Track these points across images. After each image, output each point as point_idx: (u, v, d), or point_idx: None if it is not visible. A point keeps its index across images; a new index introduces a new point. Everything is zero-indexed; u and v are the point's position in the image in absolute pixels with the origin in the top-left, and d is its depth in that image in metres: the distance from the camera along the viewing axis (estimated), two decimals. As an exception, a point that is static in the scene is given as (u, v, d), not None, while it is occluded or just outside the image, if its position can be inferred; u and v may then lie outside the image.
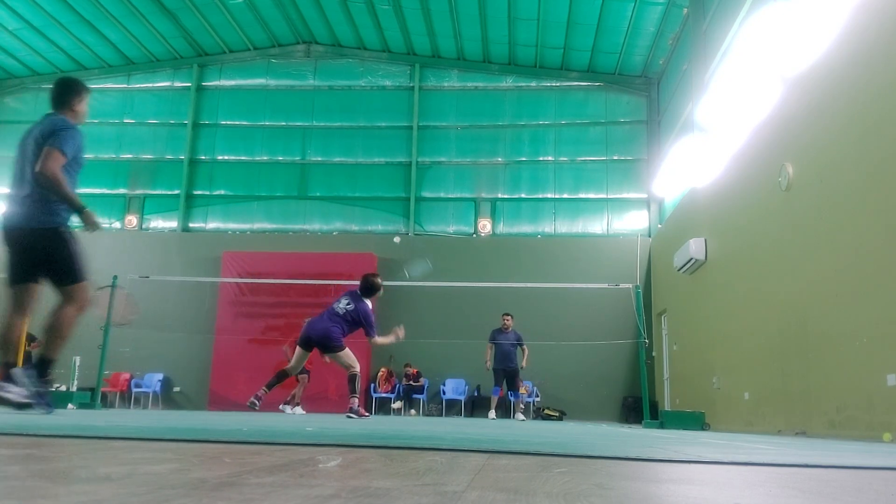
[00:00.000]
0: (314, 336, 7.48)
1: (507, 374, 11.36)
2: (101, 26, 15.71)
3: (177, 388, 15.04)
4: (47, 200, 4.16)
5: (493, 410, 11.48)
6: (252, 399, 7.69)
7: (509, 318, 11.59)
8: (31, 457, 1.54)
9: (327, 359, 8.03)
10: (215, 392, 14.80)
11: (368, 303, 7.65)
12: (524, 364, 11.42)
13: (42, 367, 4.22)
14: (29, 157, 4.22)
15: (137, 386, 14.83)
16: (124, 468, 1.32)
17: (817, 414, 7.03)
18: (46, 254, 4.19)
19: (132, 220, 16.71)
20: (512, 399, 12.09)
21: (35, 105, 17.53)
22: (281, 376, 7.70)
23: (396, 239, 15.78)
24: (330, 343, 7.42)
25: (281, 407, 11.57)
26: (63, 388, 13.87)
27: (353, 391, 7.49)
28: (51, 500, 0.90)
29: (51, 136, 4.15)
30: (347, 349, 7.50)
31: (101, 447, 1.86)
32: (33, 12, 14.89)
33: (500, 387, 11.40)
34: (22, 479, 1.13)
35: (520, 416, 11.82)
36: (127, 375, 14.94)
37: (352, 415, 7.42)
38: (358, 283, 7.81)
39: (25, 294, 4.26)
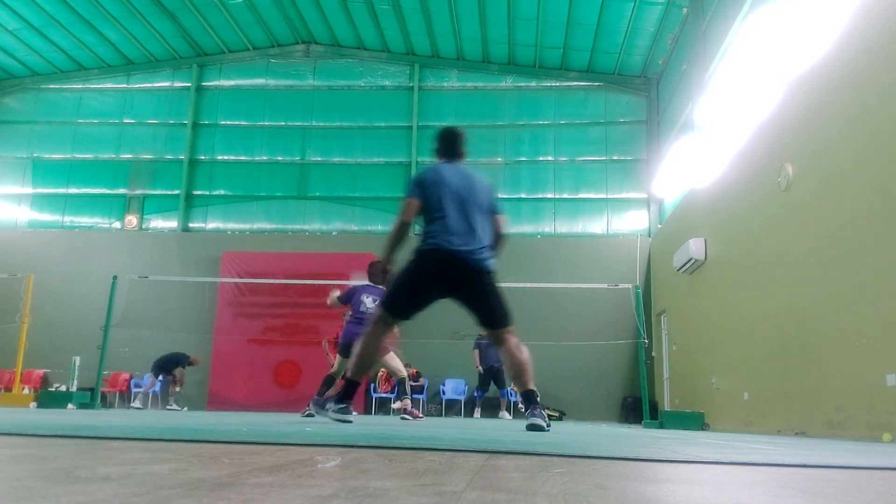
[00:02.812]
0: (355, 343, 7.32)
1: (492, 373, 11.97)
2: (101, 26, 15.71)
3: (177, 389, 15.03)
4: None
5: (479, 409, 12.17)
6: (309, 411, 7.36)
7: None
8: (31, 457, 1.54)
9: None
10: (214, 392, 14.80)
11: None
12: None
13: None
14: (481, 208, 4.38)
15: (137, 386, 14.82)
16: (123, 468, 1.32)
17: (817, 414, 7.03)
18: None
19: (132, 220, 16.71)
20: (501, 397, 12.29)
21: (35, 105, 17.55)
22: (328, 382, 7.50)
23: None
24: None
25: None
26: (63, 388, 13.88)
27: (403, 392, 7.53)
28: (50, 500, 0.90)
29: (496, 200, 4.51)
30: (392, 352, 7.32)
31: (100, 447, 1.86)
32: (33, 12, 14.89)
33: (484, 391, 12.18)
34: (22, 479, 1.13)
35: (505, 414, 12.04)
36: (126, 375, 14.94)
37: (406, 416, 7.41)
38: (367, 277, 7.69)
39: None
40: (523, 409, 4.43)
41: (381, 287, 7.35)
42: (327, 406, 4.35)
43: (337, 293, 7.49)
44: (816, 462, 2.20)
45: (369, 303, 7.25)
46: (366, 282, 7.48)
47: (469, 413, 14.06)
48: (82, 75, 17.46)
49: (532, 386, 4.36)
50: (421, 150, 16.54)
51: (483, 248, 4.26)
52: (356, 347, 4.43)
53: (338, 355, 7.42)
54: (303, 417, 7.05)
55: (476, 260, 4.21)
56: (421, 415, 7.93)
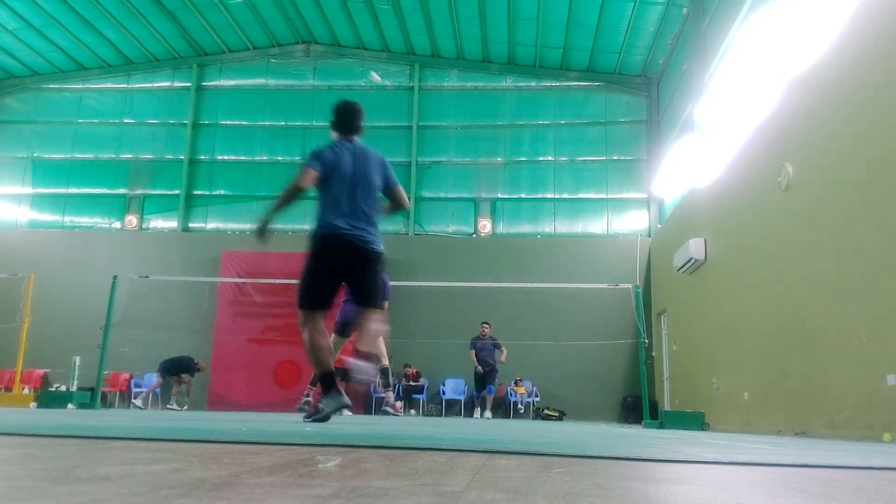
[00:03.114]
0: (353, 320, 7.29)
1: (485, 374, 12.21)
2: (101, 26, 15.71)
3: (180, 389, 15.02)
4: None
5: (479, 410, 12.34)
6: (301, 405, 7.38)
7: (487, 326, 12.44)
8: (31, 457, 1.53)
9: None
10: (214, 392, 14.80)
11: None
12: (502, 360, 12.23)
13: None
14: (372, 187, 4.51)
15: (137, 386, 14.82)
16: (123, 468, 1.32)
17: (817, 414, 7.03)
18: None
19: (132, 220, 16.71)
20: (487, 395, 12.45)
21: (35, 105, 17.55)
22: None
23: (375, 77, 15.85)
24: None
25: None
26: (63, 388, 13.88)
27: (386, 385, 7.36)
28: (50, 500, 0.90)
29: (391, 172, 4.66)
30: (381, 337, 7.36)
31: (100, 447, 1.86)
32: (33, 12, 14.88)
33: (480, 391, 12.41)
34: (22, 479, 1.13)
35: (487, 413, 12.15)
36: (126, 375, 14.94)
37: (388, 409, 7.31)
38: None
39: None
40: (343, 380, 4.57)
41: None
42: (319, 407, 4.30)
43: None
44: (816, 462, 2.20)
45: None
46: None
47: (469, 413, 14.06)
48: (82, 75, 17.46)
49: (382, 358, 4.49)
50: (421, 150, 16.54)
51: (369, 228, 4.40)
52: (311, 342, 4.37)
53: (333, 334, 7.39)
54: (300, 409, 6.97)
55: (362, 240, 4.35)
56: (400, 410, 7.75)
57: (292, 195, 4.35)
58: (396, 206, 4.74)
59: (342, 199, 4.36)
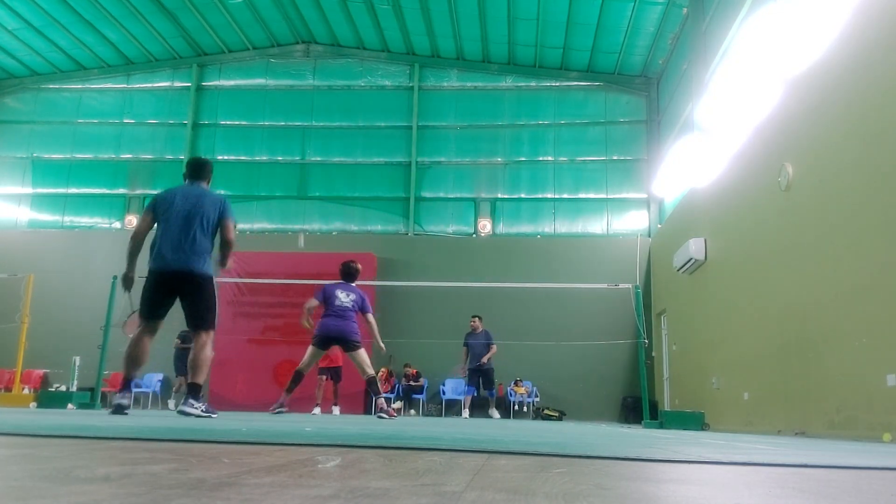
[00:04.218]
0: (335, 334, 7.44)
1: (480, 373, 11.89)
2: (100, 26, 15.71)
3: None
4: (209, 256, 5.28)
5: (467, 410, 12.02)
6: (277, 409, 7.57)
7: (477, 319, 12.15)
8: (30, 457, 1.53)
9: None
10: (214, 392, 14.79)
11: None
12: (485, 359, 11.89)
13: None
14: (206, 221, 5.21)
15: (137, 386, 14.81)
16: (123, 468, 1.32)
17: (817, 414, 7.03)
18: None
19: (132, 220, 16.70)
20: (489, 397, 12.31)
21: (35, 105, 17.56)
22: (297, 378, 7.64)
23: (301, 241, 15.88)
24: (352, 338, 7.44)
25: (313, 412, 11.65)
26: (63, 388, 13.87)
27: (377, 392, 7.58)
28: (50, 500, 0.90)
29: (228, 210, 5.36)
30: (363, 349, 7.50)
31: (100, 447, 1.86)
32: (33, 12, 14.88)
33: (474, 387, 12.02)
34: (21, 479, 1.13)
35: (495, 413, 12.02)
36: (126, 375, 14.90)
37: (383, 415, 7.44)
38: (340, 275, 7.83)
39: None
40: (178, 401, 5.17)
41: (352, 284, 7.72)
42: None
43: (313, 301, 7.67)
44: (816, 462, 2.20)
45: (343, 297, 7.53)
46: (337, 281, 7.78)
47: (468, 413, 14.04)
48: (82, 75, 17.46)
49: (200, 381, 5.25)
50: (421, 150, 16.54)
51: (196, 256, 5.12)
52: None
53: (310, 346, 7.55)
54: (273, 414, 7.19)
55: (188, 267, 5.11)
56: (395, 413, 7.94)
57: (132, 244, 5.29)
58: (224, 238, 5.33)
59: (173, 232, 5.15)
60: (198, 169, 5.52)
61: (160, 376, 14.96)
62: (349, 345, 7.47)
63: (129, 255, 5.30)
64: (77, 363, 13.11)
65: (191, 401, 5.17)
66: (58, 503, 0.88)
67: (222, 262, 5.31)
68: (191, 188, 5.38)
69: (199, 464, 1.46)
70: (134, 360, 5.25)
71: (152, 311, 5.23)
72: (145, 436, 2.34)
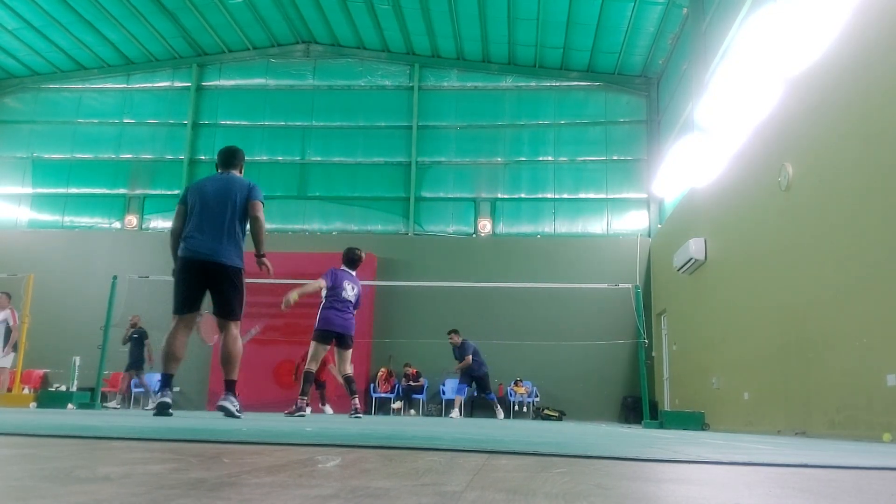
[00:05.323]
0: (339, 331, 7.27)
1: (474, 378, 11.80)
2: (100, 26, 15.71)
3: (176, 388, 14.97)
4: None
5: (457, 410, 11.86)
6: (297, 412, 7.42)
7: (453, 334, 11.86)
8: (31, 457, 1.53)
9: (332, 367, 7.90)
10: (215, 392, 14.78)
11: None
12: (455, 370, 11.83)
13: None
14: (234, 207, 5.17)
15: (137, 386, 14.81)
16: (123, 468, 1.32)
17: (817, 414, 7.03)
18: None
19: (132, 220, 16.71)
20: (489, 399, 12.27)
21: (35, 105, 17.55)
22: (308, 378, 7.43)
23: None
24: (350, 336, 7.35)
25: (322, 408, 11.58)
26: (63, 388, 13.88)
27: (354, 392, 7.49)
28: (50, 500, 0.90)
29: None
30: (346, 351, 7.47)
31: (100, 447, 1.86)
32: (33, 12, 14.89)
33: (468, 386, 11.93)
34: (22, 479, 1.13)
35: (500, 413, 12.00)
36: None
37: (360, 415, 7.42)
38: (343, 262, 7.62)
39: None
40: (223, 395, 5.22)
41: (354, 275, 7.54)
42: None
43: (320, 281, 7.38)
44: (817, 462, 2.20)
45: (349, 290, 7.40)
46: (343, 267, 7.59)
47: (468, 413, 14.07)
48: (82, 75, 17.46)
49: (234, 377, 5.26)
50: (421, 149, 16.54)
51: (227, 245, 5.10)
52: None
53: (313, 342, 7.37)
54: (291, 416, 7.06)
55: (220, 258, 5.07)
56: (361, 412, 7.76)
57: (172, 237, 5.21)
58: (253, 217, 5.32)
59: (203, 220, 5.09)
60: (229, 157, 5.48)
61: (160, 376, 14.94)
62: (347, 341, 7.34)
63: (173, 253, 5.20)
64: (77, 363, 13.11)
65: (231, 397, 5.12)
66: (58, 503, 0.88)
67: (258, 255, 5.29)
68: (220, 176, 5.33)
69: (199, 464, 1.46)
70: (172, 356, 5.12)
71: (185, 303, 5.12)
72: (145, 436, 2.34)
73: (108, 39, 16.24)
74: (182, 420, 4.53)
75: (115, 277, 11.03)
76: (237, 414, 5.08)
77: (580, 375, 14.51)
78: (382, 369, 14.62)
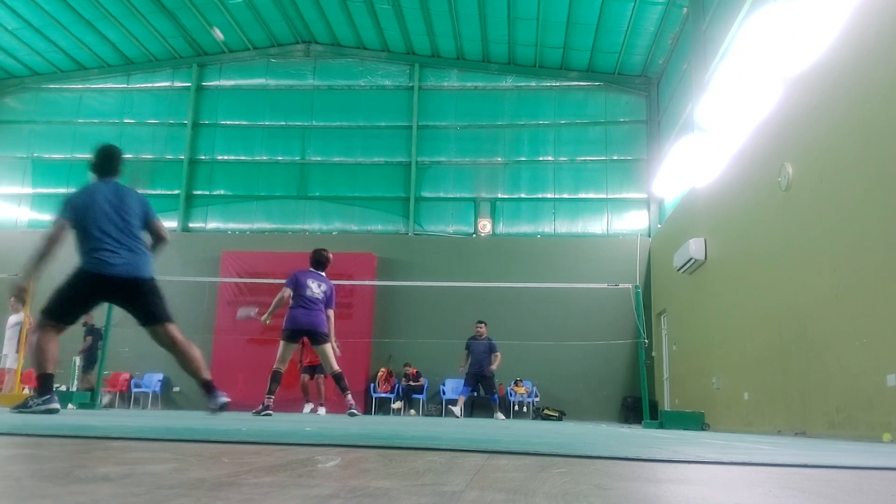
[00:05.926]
0: (305, 327, 7.33)
1: (479, 378, 11.78)
2: (100, 26, 15.71)
3: (176, 389, 15.04)
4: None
5: (458, 407, 11.87)
6: (263, 412, 7.37)
7: (483, 325, 12.00)
8: (30, 457, 1.53)
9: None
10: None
11: None
12: (494, 367, 11.78)
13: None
14: (134, 221, 5.00)
15: (137, 386, 14.83)
16: (123, 468, 1.32)
17: (817, 414, 7.03)
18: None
19: (132, 220, 16.68)
20: (493, 401, 12.25)
21: (35, 105, 17.55)
22: (276, 377, 7.54)
23: (218, 35, 15.68)
24: (321, 331, 7.34)
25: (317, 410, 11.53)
26: (63, 388, 13.87)
27: (346, 388, 7.47)
28: (50, 500, 0.90)
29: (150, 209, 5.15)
30: (329, 348, 7.45)
31: (100, 447, 1.86)
32: (33, 12, 14.89)
33: (471, 388, 11.95)
34: (21, 479, 1.13)
35: (499, 415, 11.97)
36: (126, 375, 14.94)
37: (355, 412, 7.42)
38: (310, 263, 7.74)
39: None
40: (206, 396, 5.23)
41: (323, 274, 7.61)
42: (30, 403, 4.92)
43: (285, 291, 7.51)
44: (816, 462, 2.20)
45: (315, 288, 7.46)
46: (310, 269, 7.71)
47: (468, 412, 14.07)
48: (82, 75, 17.46)
49: (207, 376, 5.12)
50: (421, 149, 16.55)
51: (135, 257, 4.91)
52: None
53: (281, 342, 7.41)
54: (258, 416, 7.04)
55: (137, 273, 4.89)
56: (355, 408, 7.79)
57: (45, 250, 4.93)
58: (157, 237, 5.22)
59: (106, 234, 4.87)
60: (113, 162, 5.13)
61: (160, 376, 14.97)
62: (318, 337, 7.35)
63: (38, 258, 4.89)
64: (77, 363, 13.10)
65: (216, 394, 5.11)
66: (58, 503, 0.88)
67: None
68: (111, 187, 5.03)
69: (199, 463, 1.46)
70: (53, 356, 4.94)
71: (71, 315, 4.94)
72: (145, 436, 2.34)
73: (108, 39, 16.24)
74: (182, 420, 4.53)
75: (114, 277, 11.00)
76: (224, 398, 5.13)
77: (580, 375, 14.51)
78: (382, 369, 14.62)
